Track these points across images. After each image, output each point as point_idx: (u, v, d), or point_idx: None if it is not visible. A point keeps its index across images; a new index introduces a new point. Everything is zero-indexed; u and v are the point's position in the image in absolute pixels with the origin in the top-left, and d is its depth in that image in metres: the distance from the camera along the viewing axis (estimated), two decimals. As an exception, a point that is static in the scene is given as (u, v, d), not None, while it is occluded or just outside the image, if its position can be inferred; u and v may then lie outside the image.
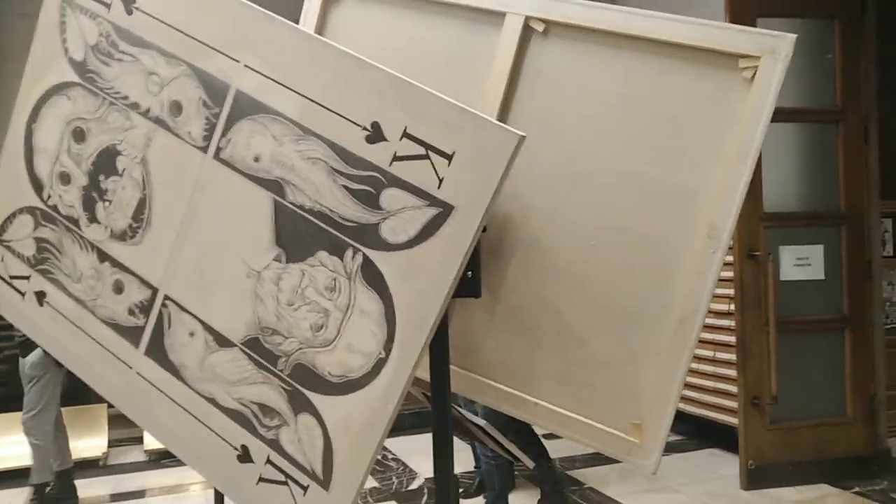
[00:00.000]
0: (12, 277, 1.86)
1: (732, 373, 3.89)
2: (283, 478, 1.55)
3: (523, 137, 1.30)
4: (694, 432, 4.52)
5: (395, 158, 1.39)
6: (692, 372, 4.34)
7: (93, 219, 1.72)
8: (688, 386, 4.37)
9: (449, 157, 1.34)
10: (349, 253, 1.44)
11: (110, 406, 3.14)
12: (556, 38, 1.71)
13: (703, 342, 4.23)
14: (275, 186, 1.50)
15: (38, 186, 1.80)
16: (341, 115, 1.43)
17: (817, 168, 3.80)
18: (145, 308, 1.68)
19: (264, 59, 1.49)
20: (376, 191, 1.41)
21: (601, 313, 1.64)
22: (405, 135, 1.38)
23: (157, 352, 1.67)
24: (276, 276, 1.52)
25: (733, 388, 3.88)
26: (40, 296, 1.82)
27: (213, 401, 1.61)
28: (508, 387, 1.71)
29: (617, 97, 1.65)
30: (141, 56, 1.62)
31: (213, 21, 1.54)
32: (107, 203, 1.70)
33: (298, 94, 1.46)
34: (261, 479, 1.57)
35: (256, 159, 1.52)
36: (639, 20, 1.62)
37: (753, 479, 3.64)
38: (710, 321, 3.96)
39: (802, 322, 3.70)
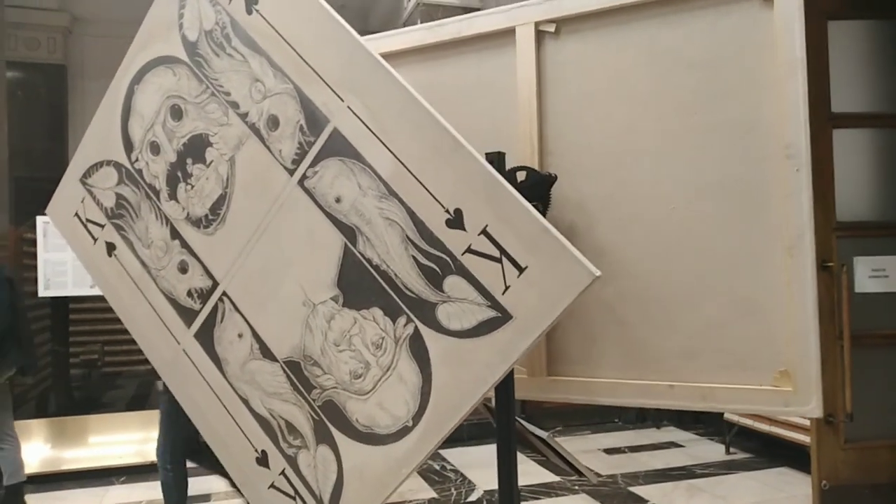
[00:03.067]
0: (88, 220, 1.94)
1: (805, 388, 3.78)
2: (292, 492, 1.66)
3: (598, 277, 1.30)
4: (763, 450, 4.43)
5: (469, 250, 1.40)
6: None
7: (173, 196, 1.78)
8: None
9: (521, 270, 1.35)
10: (402, 320, 1.48)
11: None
12: (569, 33, 1.75)
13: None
14: (349, 232, 1.53)
15: (128, 146, 1.85)
16: (429, 191, 1.43)
17: (893, 175, 3.59)
18: (203, 296, 1.75)
19: (369, 107, 1.48)
20: (443, 273, 1.43)
21: (703, 274, 1.60)
22: (484, 232, 1.38)
23: (206, 339, 1.76)
24: (329, 314, 1.57)
25: (805, 405, 3.76)
26: (110, 247, 1.90)
27: (246, 402, 1.71)
28: (639, 379, 1.67)
29: (646, 64, 1.67)
30: (251, 59, 1.62)
31: (330, 52, 1.52)
32: (189, 187, 1.75)
33: (393, 154, 1.46)
34: (272, 486, 1.68)
35: (338, 200, 1.54)
36: None
37: (827, 500, 3.46)
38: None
39: (879, 336, 3.47)
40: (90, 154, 1.92)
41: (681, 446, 4.87)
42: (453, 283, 1.42)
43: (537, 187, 1.73)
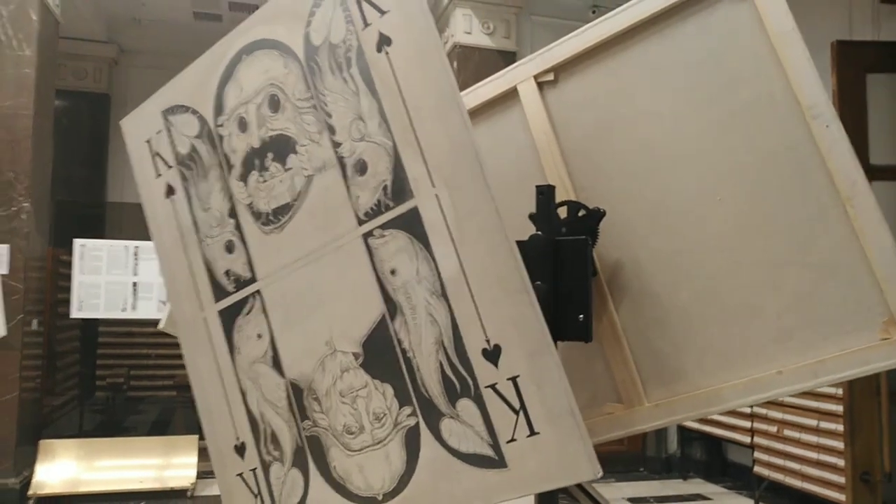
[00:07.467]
0: (157, 154, 1.94)
1: (839, 444, 3.68)
2: (256, 490, 1.77)
3: (598, 476, 1.34)
4: (795, 508, 4.30)
5: (493, 387, 1.43)
6: (794, 442, 4.15)
7: (244, 178, 1.78)
8: (789, 457, 4.19)
9: (532, 432, 1.38)
10: (408, 409, 1.53)
11: (201, 438, 3.32)
12: (567, 75, 1.86)
13: (806, 410, 4.04)
14: (392, 306, 1.55)
15: (217, 109, 1.82)
16: (479, 314, 1.44)
17: (927, 227, 3.61)
18: (239, 284, 1.79)
19: (454, 205, 1.46)
20: (461, 393, 1.46)
21: (771, 253, 1.61)
22: (513, 380, 1.40)
23: (228, 322, 1.81)
24: (345, 366, 1.62)
25: (840, 462, 3.63)
26: (170, 190, 1.92)
27: (244, 394, 1.79)
28: (742, 377, 1.62)
29: (648, 79, 1.75)
30: (363, 96, 1.57)
31: (440, 132, 1.47)
32: (262, 179, 1.74)
33: (460, 262, 1.45)
34: (240, 475, 1.80)
35: (393, 272, 1.54)
36: (622, 17, 1.75)
37: (861, 561, 3.37)
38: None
39: (918, 391, 3.37)
40: (180, 94, 1.90)
41: (708, 499, 4.71)
42: (467, 406, 1.46)
43: (587, 220, 1.77)
